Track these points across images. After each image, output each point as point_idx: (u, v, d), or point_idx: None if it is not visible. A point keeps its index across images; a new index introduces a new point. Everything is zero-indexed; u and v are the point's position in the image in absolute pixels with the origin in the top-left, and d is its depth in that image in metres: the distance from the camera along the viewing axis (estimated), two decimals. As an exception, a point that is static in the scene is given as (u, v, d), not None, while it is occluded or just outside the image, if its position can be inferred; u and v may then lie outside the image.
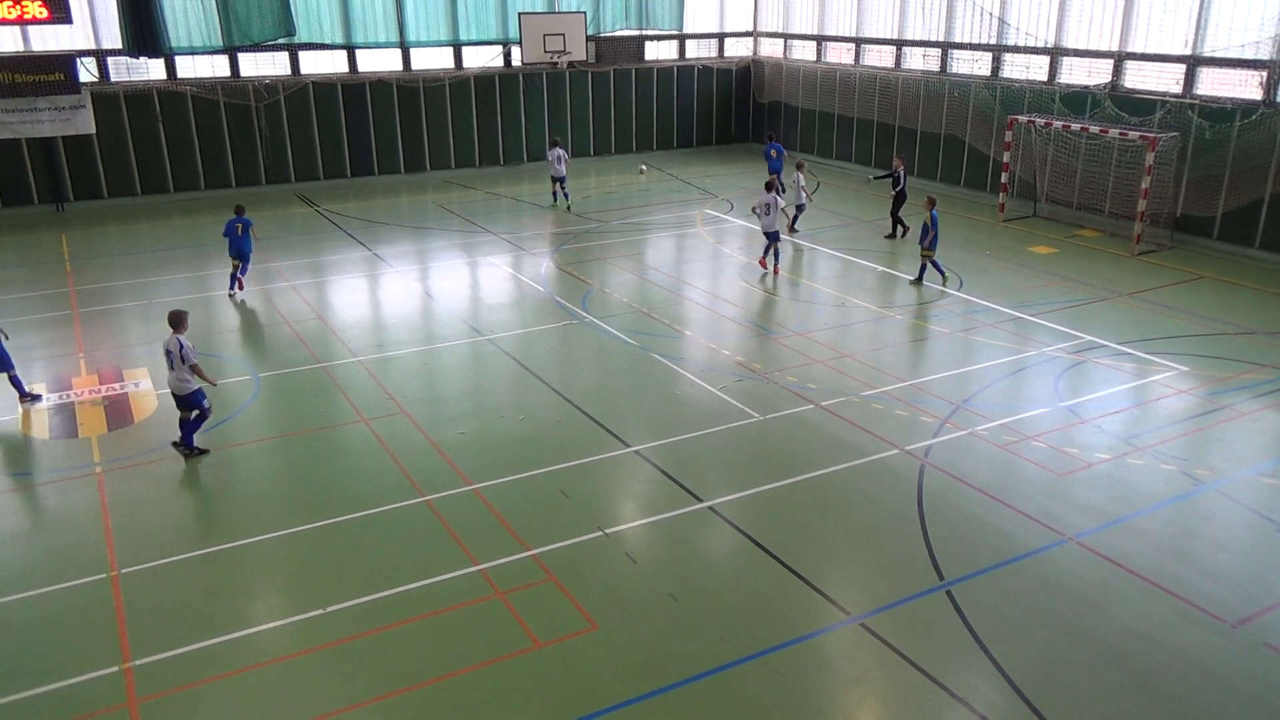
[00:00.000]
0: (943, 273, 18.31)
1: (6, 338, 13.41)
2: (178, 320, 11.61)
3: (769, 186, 19.19)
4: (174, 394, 11.62)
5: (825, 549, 9.79)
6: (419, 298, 18.23)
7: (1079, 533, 9.91)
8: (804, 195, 21.76)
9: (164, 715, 7.56)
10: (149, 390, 13.79)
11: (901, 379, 13.87)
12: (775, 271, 18.90)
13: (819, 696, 7.72)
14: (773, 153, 24.89)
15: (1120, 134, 20.78)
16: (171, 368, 11.52)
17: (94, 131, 24.95)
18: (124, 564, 9.53)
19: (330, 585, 9.15)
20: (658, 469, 11.37)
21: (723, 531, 10.10)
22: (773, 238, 18.71)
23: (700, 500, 10.62)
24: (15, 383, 13.37)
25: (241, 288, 18.15)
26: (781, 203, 19.08)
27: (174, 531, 10.14)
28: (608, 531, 10.01)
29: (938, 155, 26.97)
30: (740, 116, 33.95)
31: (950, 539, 9.84)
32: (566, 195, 25.20)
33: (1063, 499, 10.56)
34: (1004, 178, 23.43)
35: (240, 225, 17.69)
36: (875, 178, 23.75)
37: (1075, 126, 21.94)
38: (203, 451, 11.86)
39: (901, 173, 21.40)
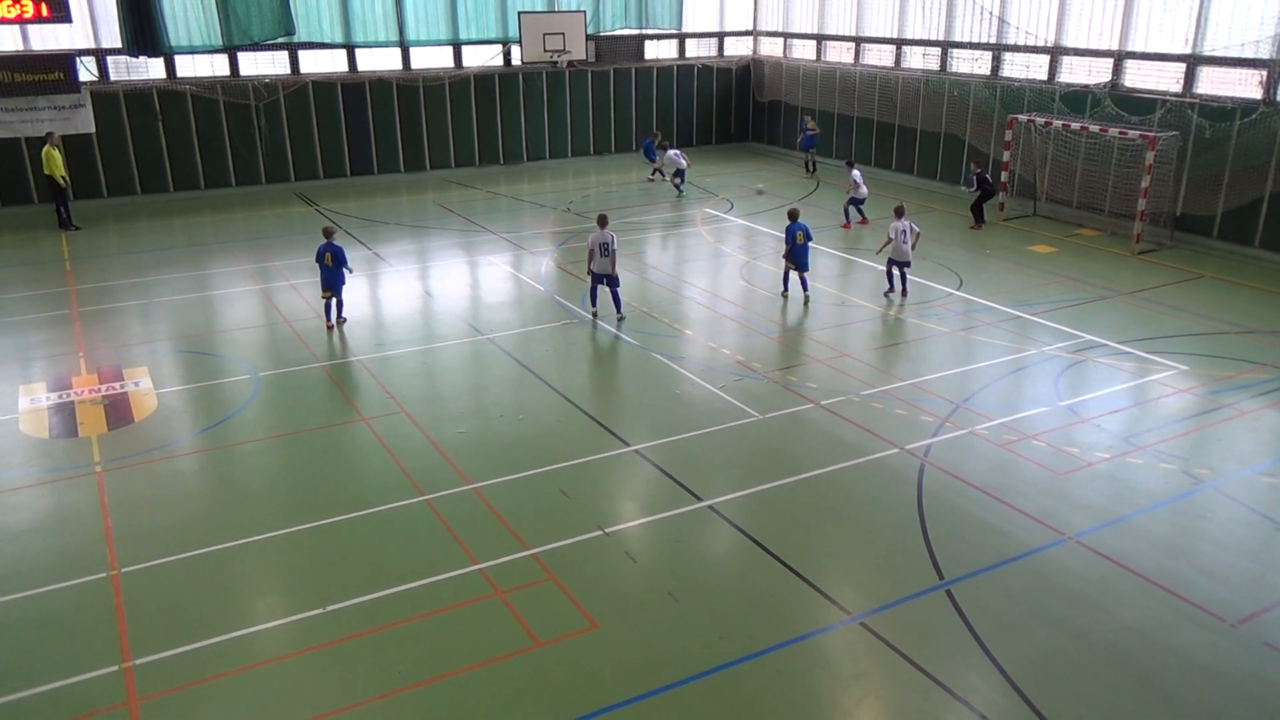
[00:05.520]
0: (790, 287, 17.44)
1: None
2: (606, 220, 15.89)
3: (899, 212, 17.15)
4: (605, 275, 15.66)
5: (825, 548, 9.79)
6: (419, 297, 18.23)
7: (1079, 532, 9.92)
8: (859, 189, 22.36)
9: (164, 715, 7.55)
10: (149, 389, 13.78)
11: (901, 378, 13.87)
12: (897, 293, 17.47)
13: (819, 695, 7.72)
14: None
15: (1120, 133, 20.77)
16: (605, 254, 15.46)
17: (93, 131, 24.93)
18: (124, 563, 9.53)
19: (330, 584, 9.15)
20: (658, 468, 11.37)
21: (723, 530, 10.10)
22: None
23: (700, 499, 10.62)
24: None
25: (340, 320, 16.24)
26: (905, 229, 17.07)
27: (174, 531, 10.13)
28: (608, 531, 10.01)
29: (937, 154, 26.97)
30: (740, 116, 33.93)
31: (950, 538, 9.84)
32: (679, 187, 26.36)
33: (1062, 498, 10.56)
34: (1004, 177, 23.42)
35: (330, 254, 15.57)
36: (968, 189, 23.16)
37: (1075, 125, 21.92)
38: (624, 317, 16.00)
39: (976, 176, 22.31)
